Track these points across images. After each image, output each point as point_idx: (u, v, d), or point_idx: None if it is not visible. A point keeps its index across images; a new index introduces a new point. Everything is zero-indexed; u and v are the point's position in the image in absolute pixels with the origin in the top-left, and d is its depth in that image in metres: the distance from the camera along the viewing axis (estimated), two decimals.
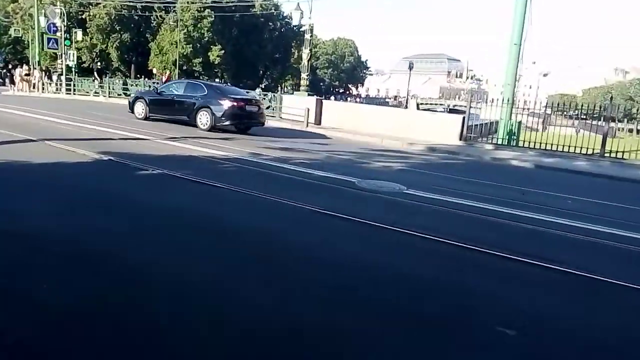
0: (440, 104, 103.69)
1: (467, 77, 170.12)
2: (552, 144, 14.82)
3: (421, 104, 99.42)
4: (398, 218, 5.63)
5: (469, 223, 5.85)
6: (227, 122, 13.47)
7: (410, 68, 55.67)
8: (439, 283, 3.82)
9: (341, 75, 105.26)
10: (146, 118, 14.87)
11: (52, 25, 26.32)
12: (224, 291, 3.29)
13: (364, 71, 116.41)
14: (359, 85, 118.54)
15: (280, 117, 19.14)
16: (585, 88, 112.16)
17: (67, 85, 26.11)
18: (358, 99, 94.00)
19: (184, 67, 57.61)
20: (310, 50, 18.73)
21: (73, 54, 28.58)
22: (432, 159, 12.21)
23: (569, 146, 14.63)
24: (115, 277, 3.36)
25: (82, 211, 4.89)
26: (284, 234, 4.76)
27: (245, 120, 14.11)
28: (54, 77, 27.36)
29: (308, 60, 18.84)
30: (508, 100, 16.71)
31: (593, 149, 14.40)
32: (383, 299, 3.40)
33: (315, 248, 4.44)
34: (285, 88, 78.90)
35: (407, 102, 55.35)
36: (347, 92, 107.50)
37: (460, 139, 15.73)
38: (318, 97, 19.06)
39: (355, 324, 2.95)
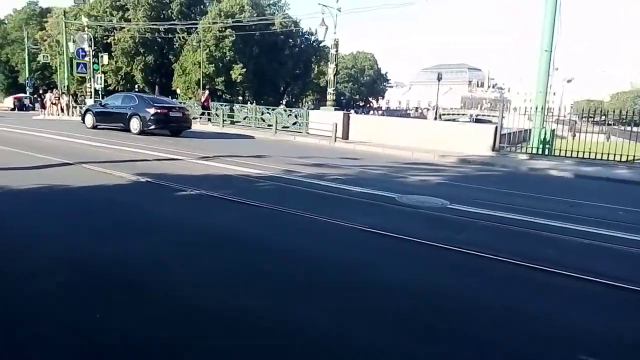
0: (463, 114, 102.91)
1: (489, 86, 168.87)
2: (588, 152, 14.35)
3: (443, 114, 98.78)
4: (448, 235, 5.40)
5: (524, 239, 5.58)
6: (153, 127, 15.98)
7: (439, 79, 55.26)
8: (507, 309, 3.57)
9: (361, 88, 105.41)
10: (94, 127, 17.61)
11: (80, 50, 26.98)
12: (281, 323, 3.12)
13: (384, 84, 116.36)
14: (379, 97, 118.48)
15: (307, 133, 19.08)
16: (612, 93, 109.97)
17: None
18: (379, 112, 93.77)
19: (207, 86, 58.48)
20: (336, 65, 18.66)
21: (100, 77, 29.19)
22: (468, 171, 11.90)
23: (607, 154, 14.13)
24: (168, 307, 3.22)
25: (133, 236, 4.80)
26: (334, 256, 4.58)
27: (171, 125, 16.60)
28: (86, 100, 27.79)
29: (334, 75, 18.77)
30: (541, 108, 16.32)
31: (634, 156, 13.89)
32: (450, 328, 3.17)
33: (369, 270, 4.24)
34: (307, 103, 79.30)
35: (436, 113, 54.42)
36: (368, 105, 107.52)
37: (493, 150, 15.37)
38: (345, 112, 18.95)
39: (421, 349, 2.75)
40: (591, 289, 4.00)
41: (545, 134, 16.80)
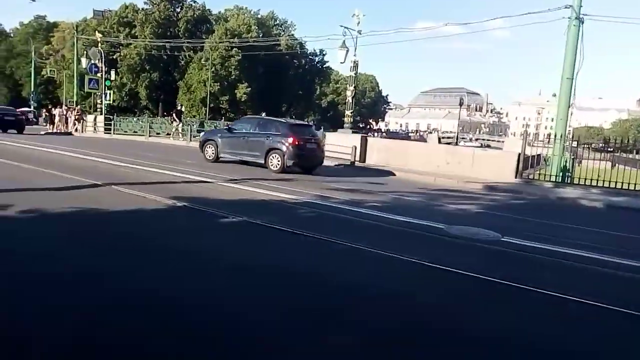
0: (462, 138, 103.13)
1: (487, 111, 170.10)
2: (607, 180, 14.09)
3: (442, 137, 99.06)
4: (525, 274, 5.10)
5: (604, 280, 5.30)
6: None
7: (461, 104, 55.57)
8: None
9: (362, 110, 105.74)
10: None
11: (93, 66, 26.86)
12: None
13: (384, 106, 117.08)
14: (379, 119, 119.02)
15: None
16: (611, 120, 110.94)
17: (106, 124, 26.34)
18: (380, 134, 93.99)
19: (211, 105, 58.50)
20: (355, 87, 18.55)
21: (109, 93, 29.03)
22: (500, 199, 11.64)
23: (632, 183, 13.90)
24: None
25: (192, 273, 4.48)
26: (409, 298, 4.23)
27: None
28: (99, 118, 27.19)
29: (352, 97, 18.66)
30: (561, 136, 16.17)
31: None
32: None
33: (458, 317, 3.90)
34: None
35: (454, 138, 54.45)
36: (368, 127, 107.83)
37: (516, 176, 15.15)
38: (362, 135, 18.76)
39: None
40: None
41: (565, 161, 16.64)
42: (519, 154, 15.54)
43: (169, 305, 3.59)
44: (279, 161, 13.38)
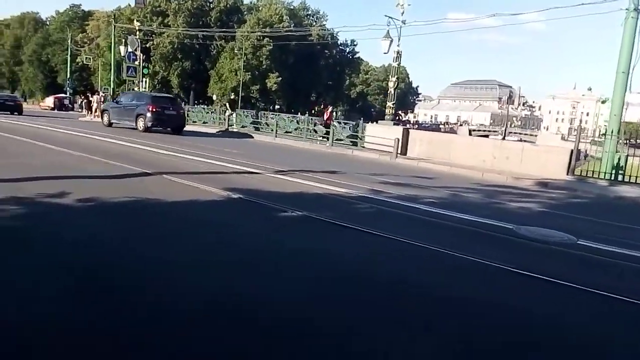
0: (495, 131, 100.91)
1: (519, 104, 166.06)
2: None
3: (473, 130, 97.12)
4: (629, 285, 4.68)
5: None
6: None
7: (503, 101, 54.12)
8: None
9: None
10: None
11: (132, 54, 27.00)
12: None
13: (414, 97, 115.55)
14: (408, 111, 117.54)
15: (363, 147, 18.45)
16: None
17: None
18: (409, 125, 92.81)
19: (242, 94, 58.57)
20: (397, 78, 18.04)
21: (146, 81, 29.18)
22: (557, 197, 11.07)
23: None
24: None
25: (270, 272, 4.21)
26: (526, 312, 3.86)
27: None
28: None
29: (395, 89, 18.17)
30: (617, 132, 15.38)
31: None
32: None
33: (570, 330, 3.53)
34: (338, 114, 78.90)
35: (486, 131, 53.36)
36: (397, 118, 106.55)
37: (567, 173, 14.47)
38: (403, 127, 18.27)
39: None
40: None
41: (619, 159, 15.84)
42: (571, 150, 14.85)
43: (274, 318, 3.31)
44: (142, 123, 18.31)
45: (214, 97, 55.15)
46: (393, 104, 18.39)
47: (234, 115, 25.22)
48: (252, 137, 21.96)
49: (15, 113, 26.53)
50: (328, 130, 20.16)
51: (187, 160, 11.13)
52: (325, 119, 22.24)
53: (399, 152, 16.72)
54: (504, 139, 45.72)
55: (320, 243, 5.31)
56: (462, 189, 10.48)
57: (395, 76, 18.00)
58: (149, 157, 11.24)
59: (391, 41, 17.44)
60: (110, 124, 20.04)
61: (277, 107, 59.79)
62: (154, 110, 18.08)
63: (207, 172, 9.43)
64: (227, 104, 26.05)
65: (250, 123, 24.89)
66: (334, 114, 23.55)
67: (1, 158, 9.72)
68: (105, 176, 8.05)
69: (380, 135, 17.40)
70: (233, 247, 4.80)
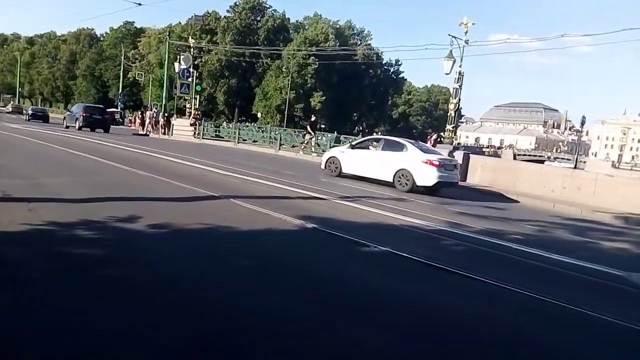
0: (540, 156, 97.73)
1: (565, 128, 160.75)
2: None
3: (519, 154, 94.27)
4: None
5: None
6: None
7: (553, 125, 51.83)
8: None
9: (434, 122, 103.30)
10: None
11: (185, 70, 27.39)
12: None
13: (457, 119, 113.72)
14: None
15: None
16: None
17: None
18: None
19: (285, 112, 58.91)
20: (459, 100, 17.32)
21: (197, 98, 29.48)
22: None
23: None
24: None
25: (366, 326, 3.64)
26: None
27: None
28: (198, 122, 27.24)
29: (455, 111, 17.45)
30: None
31: None
32: None
33: None
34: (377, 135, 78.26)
35: (534, 155, 51.45)
36: (439, 140, 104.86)
37: None
38: (465, 151, 17.47)
39: None
40: None
41: None
42: None
43: None
44: (78, 124, 25.48)
45: (259, 115, 55.65)
46: (453, 127, 17.65)
47: (314, 140, 22.09)
48: None
49: (41, 121, 33.84)
50: None
51: (245, 182, 10.74)
52: (431, 143, 20.23)
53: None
54: (575, 167, 43.48)
55: (408, 284, 4.71)
56: (543, 223, 9.67)
57: (457, 97, 17.26)
58: (212, 179, 10.90)
59: (454, 61, 16.80)
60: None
61: (322, 126, 59.68)
62: (84, 115, 25.48)
63: (274, 197, 8.99)
64: (309, 127, 22.53)
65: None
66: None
67: (66, 175, 9.58)
68: (173, 198, 7.73)
69: None
70: (320, 289, 4.25)
